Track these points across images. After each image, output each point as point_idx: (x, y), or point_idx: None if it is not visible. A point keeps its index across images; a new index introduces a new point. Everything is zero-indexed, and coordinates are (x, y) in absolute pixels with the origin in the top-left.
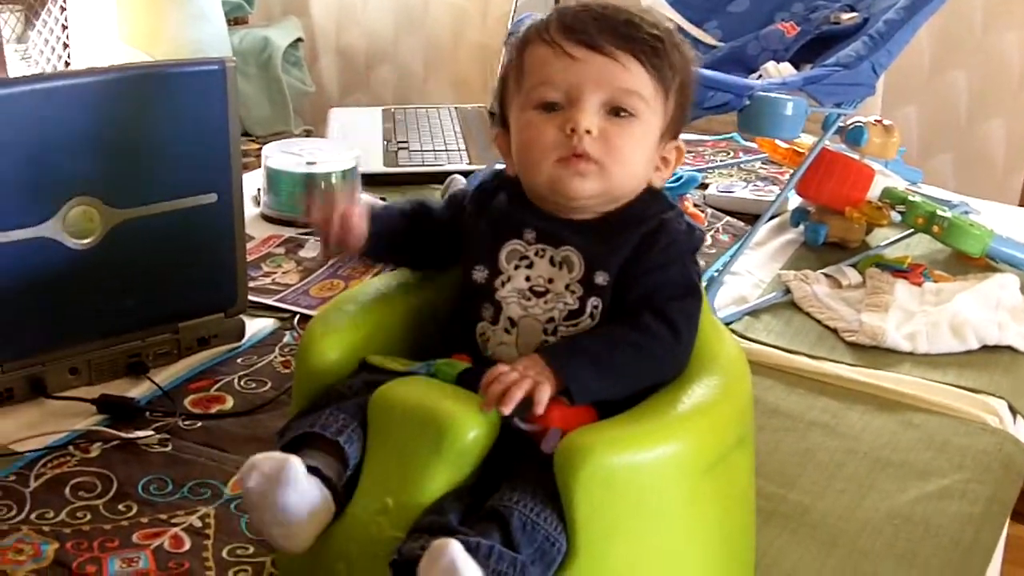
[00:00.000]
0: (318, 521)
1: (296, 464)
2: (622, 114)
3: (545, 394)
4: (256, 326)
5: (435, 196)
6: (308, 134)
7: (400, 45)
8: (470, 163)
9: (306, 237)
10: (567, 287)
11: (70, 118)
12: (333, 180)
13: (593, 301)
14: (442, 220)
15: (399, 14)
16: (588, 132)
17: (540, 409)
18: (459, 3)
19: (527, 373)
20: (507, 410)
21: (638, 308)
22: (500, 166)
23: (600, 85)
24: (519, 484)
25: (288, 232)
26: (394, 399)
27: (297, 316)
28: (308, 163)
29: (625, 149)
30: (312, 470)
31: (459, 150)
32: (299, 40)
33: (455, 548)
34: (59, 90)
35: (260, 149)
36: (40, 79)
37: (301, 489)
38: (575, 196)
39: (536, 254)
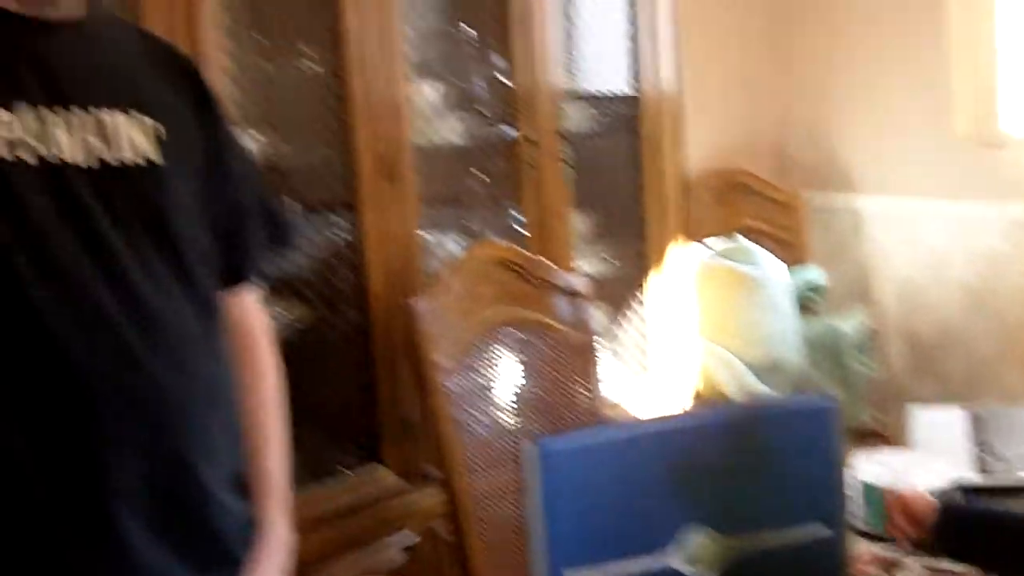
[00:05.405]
0: None
1: None
2: None
3: None
4: None
5: None
6: (876, 421)
7: (969, 329)
8: None
9: (895, 554)
10: None
11: (693, 451)
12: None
13: None
14: None
15: (968, 297)
16: None
17: None
18: None
19: None
20: None
21: None
22: None
23: None
24: None
25: (876, 548)
26: None
27: None
28: (896, 477)
29: None
30: None
31: None
32: (867, 327)
33: None
34: (686, 427)
35: None
36: (664, 420)
37: None
38: None
39: None
